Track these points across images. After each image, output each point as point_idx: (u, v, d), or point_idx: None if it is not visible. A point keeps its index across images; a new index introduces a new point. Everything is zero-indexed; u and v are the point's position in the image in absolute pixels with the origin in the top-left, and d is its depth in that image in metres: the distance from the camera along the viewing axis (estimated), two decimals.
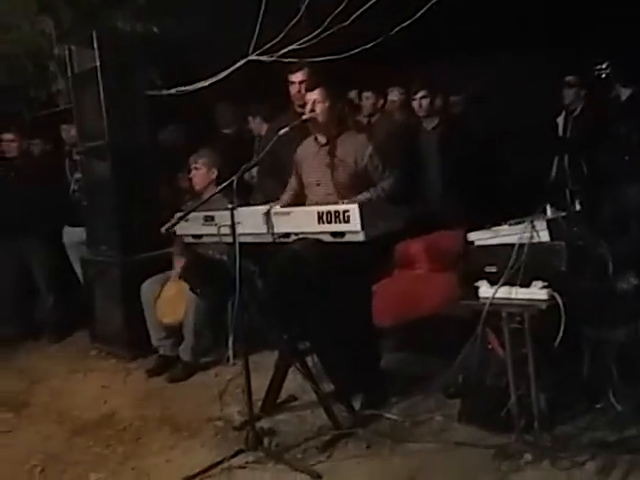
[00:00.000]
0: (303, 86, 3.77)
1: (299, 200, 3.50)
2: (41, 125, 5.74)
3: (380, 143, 3.63)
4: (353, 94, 5.30)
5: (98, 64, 4.48)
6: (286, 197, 3.57)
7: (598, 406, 2.84)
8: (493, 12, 5.69)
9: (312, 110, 3.35)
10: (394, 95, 5.04)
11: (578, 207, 3.01)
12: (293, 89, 3.90)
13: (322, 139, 3.45)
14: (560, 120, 5.07)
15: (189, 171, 4.35)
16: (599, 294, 2.70)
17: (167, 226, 3.26)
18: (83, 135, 4.89)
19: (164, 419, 3.55)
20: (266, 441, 3.05)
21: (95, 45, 4.48)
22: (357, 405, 3.29)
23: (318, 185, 3.43)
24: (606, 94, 5.04)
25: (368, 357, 3.42)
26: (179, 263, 4.18)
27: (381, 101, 5.08)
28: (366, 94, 5.05)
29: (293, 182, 3.60)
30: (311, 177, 3.46)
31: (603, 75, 4.76)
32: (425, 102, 4.41)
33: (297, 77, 3.86)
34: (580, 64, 5.05)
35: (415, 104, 4.46)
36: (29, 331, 5.24)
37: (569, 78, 4.95)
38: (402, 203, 3.35)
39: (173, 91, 5.06)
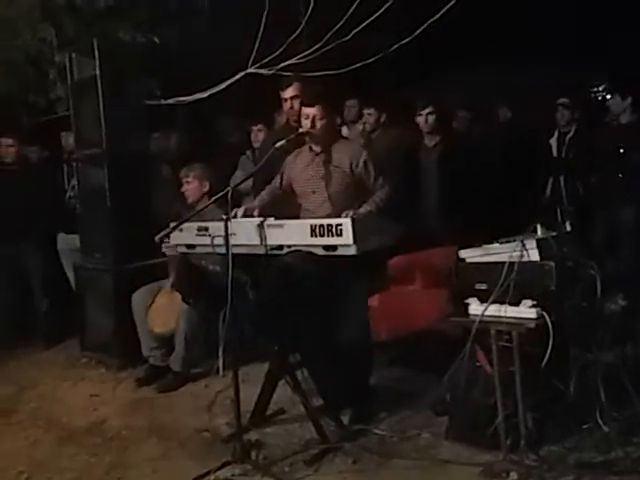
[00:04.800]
0: (295, 102, 3.81)
1: (280, 205, 3.47)
2: (40, 131, 5.76)
3: (379, 156, 3.64)
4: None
5: (98, 72, 4.50)
6: (257, 202, 3.52)
7: (585, 427, 2.84)
8: (495, 31, 5.76)
9: (312, 126, 3.34)
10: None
11: (569, 228, 3.03)
12: (286, 106, 3.93)
13: (317, 148, 3.46)
14: (553, 141, 5.10)
15: (180, 185, 4.34)
16: (587, 315, 2.72)
17: (161, 235, 3.26)
18: (80, 142, 4.90)
19: (152, 429, 3.54)
20: (253, 453, 3.04)
21: (96, 54, 4.51)
22: (346, 420, 3.29)
23: (314, 193, 3.42)
24: (603, 116, 5.08)
25: (359, 372, 3.41)
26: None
27: (384, 116, 5.08)
28: (368, 110, 5.05)
29: (274, 188, 3.58)
30: (306, 186, 3.46)
31: (600, 97, 4.78)
32: (431, 118, 4.43)
33: (288, 93, 3.88)
34: (575, 86, 5.09)
35: (421, 120, 4.46)
36: (20, 337, 5.21)
37: (563, 100, 4.98)
38: (397, 218, 3.36)
39: (172, 101, 5.10)
